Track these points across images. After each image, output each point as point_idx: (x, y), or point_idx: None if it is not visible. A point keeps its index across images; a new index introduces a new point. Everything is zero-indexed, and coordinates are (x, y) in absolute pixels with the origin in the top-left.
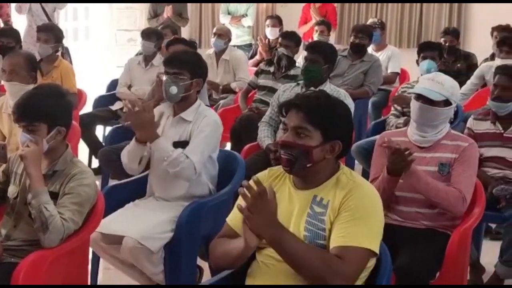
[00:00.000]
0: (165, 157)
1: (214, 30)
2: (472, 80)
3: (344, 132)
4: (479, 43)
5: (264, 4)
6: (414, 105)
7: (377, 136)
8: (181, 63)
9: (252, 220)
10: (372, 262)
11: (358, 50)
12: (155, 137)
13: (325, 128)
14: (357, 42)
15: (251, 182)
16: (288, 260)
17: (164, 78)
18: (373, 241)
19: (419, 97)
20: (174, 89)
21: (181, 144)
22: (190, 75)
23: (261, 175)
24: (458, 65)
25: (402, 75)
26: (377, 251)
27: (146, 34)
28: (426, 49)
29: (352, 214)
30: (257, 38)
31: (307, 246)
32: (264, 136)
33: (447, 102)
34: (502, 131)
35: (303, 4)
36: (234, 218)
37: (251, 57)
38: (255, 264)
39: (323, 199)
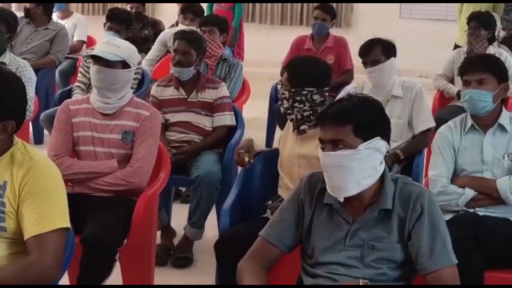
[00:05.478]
0: None
1: None
2: (156, 46)
3: (16, 109)
4: (166, 10)
5: None
6: (93, 69)
7: None
8: None
9: None
10: None
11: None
12: None
13: None
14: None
15: None
16: None
17: None
18: (65, 218)
19: (96, 60)
20: None
21: None
22: None
23: None
24: (146, 32)
25: (89, 43)
26: (69, 225)
27: None
28: (113, 20)
29: (38, 197)
30: None
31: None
32: None
33: (125, 65)
34: (186, 96)
35: None
36: None
37: None
38: None
39: None
